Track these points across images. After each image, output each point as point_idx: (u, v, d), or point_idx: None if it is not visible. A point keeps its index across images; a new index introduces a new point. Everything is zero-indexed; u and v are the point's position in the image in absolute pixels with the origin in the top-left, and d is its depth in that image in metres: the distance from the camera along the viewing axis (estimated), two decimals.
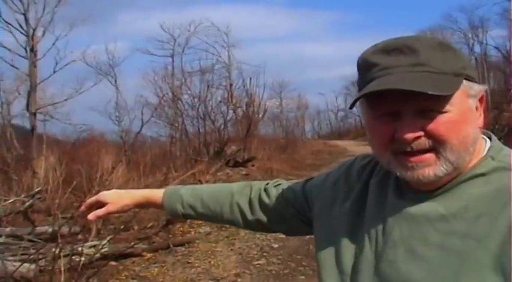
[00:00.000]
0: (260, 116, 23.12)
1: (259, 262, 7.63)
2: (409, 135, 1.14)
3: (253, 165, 18.15)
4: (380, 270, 1.23)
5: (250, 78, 22.78)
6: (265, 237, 8.78)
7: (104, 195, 1.81)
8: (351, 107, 1.22)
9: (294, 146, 28.13)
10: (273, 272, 7.16)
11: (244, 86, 22.69)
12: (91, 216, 1.78)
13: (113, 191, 1.87)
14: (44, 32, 20.88)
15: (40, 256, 6.55)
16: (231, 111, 21.68)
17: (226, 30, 31.23)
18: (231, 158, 17.73)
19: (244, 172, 16.60)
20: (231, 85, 24.60)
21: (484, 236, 1.10)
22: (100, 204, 1.79)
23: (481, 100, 1.22)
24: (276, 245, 8.41)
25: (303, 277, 6.82)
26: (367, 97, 1.19)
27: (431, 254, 1.15)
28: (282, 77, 40.55)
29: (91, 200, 1.82)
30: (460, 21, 32.41)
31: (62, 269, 5.75)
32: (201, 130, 20.54)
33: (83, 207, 1.83)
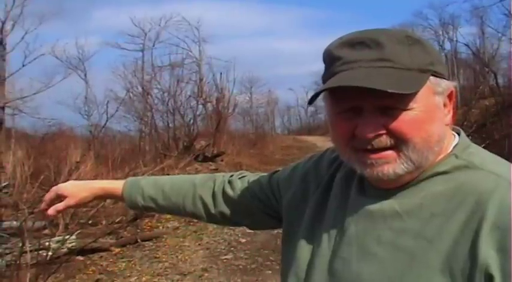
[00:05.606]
0: (230, 111, 23.09)
1: (227, 257, 7.66)
2: (370, 133, 1.10)
3: (222, 160, 18.17)
4: (333, 267, 1.21)
5: (221, 73, 22.72)
6: (233, 232, 8.82)
7: (61, 188, 1.74)
8: (310, 102, 1.17)
9: (264, 141, 28.16)
10: (240, 266, 7.20)
11: (214, 81, 22.65)
12: (51, 211, 1.72)
13: (70, 182, 1.81)
14: (13, 26, 20.75)
15: (7, 251, 6.51)
16: (200, 106, 21.60)
17: (197, 25, 31.11)
18: (200, 153, 17.71)
19: (213, 167, 16.60)
20: (201, 80, 24.47)
21: (436, 236, 1.08)
22: (59, 198, 1.73)
23: (449, 96, 1.18)
24: (243, 240, 8.44)
25: (269, 272, 6.85)
26: (329, 92, 1.16)
27: (382, 253, 1.13)
28: (252, 73, 40.79)
29: (49, 195, 1.74)
30: (431, 18, 32.78)
31: (29, 263, 5.72)
32: (170, 125, 20.43)
33: (43, 205, 1.75)
